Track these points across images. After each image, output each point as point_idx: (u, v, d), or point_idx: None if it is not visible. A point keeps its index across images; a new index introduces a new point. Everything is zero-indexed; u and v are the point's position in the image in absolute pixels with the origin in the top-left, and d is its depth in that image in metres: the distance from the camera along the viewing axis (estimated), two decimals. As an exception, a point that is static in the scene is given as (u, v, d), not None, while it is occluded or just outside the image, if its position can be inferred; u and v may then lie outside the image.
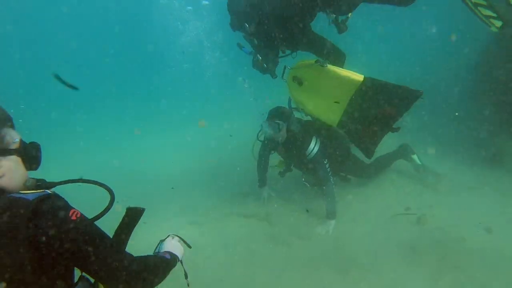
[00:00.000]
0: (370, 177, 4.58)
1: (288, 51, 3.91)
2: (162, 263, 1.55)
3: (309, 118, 4.28)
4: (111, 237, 1.42)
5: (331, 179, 3.91)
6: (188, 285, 1.84)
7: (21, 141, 1.39)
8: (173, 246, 1.79)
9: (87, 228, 1.26)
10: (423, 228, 3.79)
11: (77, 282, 1.39)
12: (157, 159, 7.21)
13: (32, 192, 1.22)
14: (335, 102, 3.76)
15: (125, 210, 1.57)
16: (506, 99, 4.82)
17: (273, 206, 4.54)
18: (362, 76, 3.54)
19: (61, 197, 1.29)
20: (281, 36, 3.65)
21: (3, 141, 1.31)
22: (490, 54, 5.47)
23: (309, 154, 3.90)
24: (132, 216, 1.57)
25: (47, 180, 1.47)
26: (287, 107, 4.18)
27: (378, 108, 3.50)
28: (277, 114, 3.93)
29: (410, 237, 3.66)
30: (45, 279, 1.18)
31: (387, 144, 4.32)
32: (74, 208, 1.27)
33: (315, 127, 4.13)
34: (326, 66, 3.69)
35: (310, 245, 3.76)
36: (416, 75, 6.72)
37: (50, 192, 1.28)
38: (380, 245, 3.59)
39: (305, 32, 3.71)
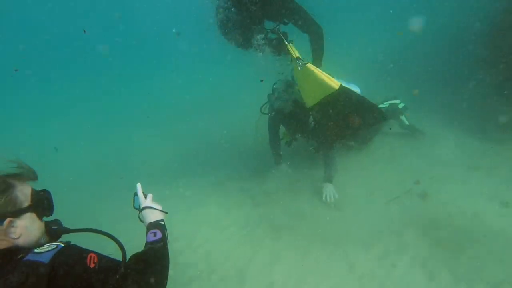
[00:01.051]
0: (365, 141, 4.93)
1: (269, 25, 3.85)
2: (159, 255, 1.58)
3: None
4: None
5: (332, 149, 4.19)
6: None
7: (32, 194, 1.42)
8: (152, 211, 1.79)
9: (104, 266, 1.33)
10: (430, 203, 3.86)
11: None
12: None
13: (46, 250, 1.27)
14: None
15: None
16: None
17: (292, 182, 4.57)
18: (339, 84, 3.50)
19: (74, 247, 1.35)
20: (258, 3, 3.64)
21: (17, 201, 1.34)
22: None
23: (311, 123, 4.15)
24: None
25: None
26: (290, 79, 4.25)
27: (344, 115, 3.63)
28: (282, 86, 4.12)
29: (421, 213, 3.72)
30: None
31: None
32: (89, 253, 1.33)
33: None
34: (303, 67, 3.56)
35: (330, 222, 3.79)
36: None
37: (63, 244, 1.32)
38: (394, 223, 3.66)
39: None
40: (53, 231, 1.47)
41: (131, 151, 6.80)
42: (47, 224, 1.47)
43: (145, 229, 1.72)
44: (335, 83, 3.47)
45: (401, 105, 5.18)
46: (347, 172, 4.53)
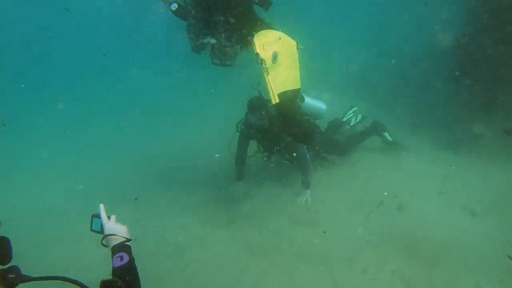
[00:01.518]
0: (344, 153, 5.18)
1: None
2: (130, 268, 1.56)
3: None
4: None
5: (307, 155, 4.44)
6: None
7: None
8: (116, 231, 1.71)
9: None
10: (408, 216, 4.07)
11: None
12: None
13: None
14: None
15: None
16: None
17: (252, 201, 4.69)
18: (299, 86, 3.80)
19: None
20: None
21: None
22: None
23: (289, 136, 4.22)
24: None
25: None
26: (259, 95, 4.32)
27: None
28: (258, 104, 4.14)
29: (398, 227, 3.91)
30: None
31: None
32: None
33: None
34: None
35: (312, 238, 3.90)
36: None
37: None
38: (374, 236, 3.82)
39: None
40: (9, 281, 1.37)
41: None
42: (3, 273, 1.37)
43: (110, 252, 1.64)
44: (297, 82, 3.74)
45: (359, 116, 5.68)
46: (328, 188, 4.71)
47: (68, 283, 1.47)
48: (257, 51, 3.29)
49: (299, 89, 3.86)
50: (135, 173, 6.06)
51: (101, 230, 1.73)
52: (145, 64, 11.73)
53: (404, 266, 3.38)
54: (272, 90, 3.43)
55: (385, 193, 4.40)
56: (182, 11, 3.45)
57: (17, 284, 1.39)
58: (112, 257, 1.59)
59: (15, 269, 1.41)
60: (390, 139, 5.31)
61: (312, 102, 4.60)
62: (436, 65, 6.30)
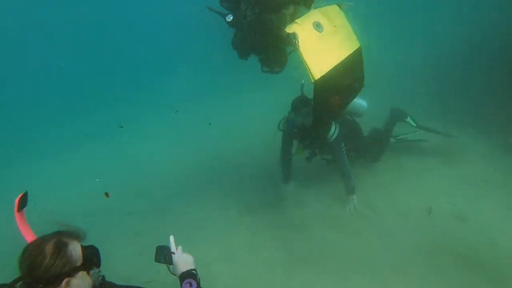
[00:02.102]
0: (377, 159, 4.97)
1: None
2: None
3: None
4: None
5: (346, 160, 4.32)
6: None
7: (83, 251, 1.47)
8: (184, 261, 1.81)
9: None
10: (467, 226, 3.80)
11: None
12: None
13: None
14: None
15: None
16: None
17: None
18: (359, 44, 3.37)
19: None
20: None
21: (71, 260, 1.39)
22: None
23: (330, 137, 4.22)
24: None
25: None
26: (302, 95, 4.35)
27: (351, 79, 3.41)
28: (302, 102, 4.18)
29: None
30: None
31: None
32: None
33: None
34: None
35: (362, 245, 3.78)
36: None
37: None
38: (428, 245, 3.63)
39: None
40: (99, 286, 1.54)
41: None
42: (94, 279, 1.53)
43: (178, 280, 1.75)
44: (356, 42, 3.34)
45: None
46: (374, 193, 4.53)
47: None
48: (288, 32, 3.05)
49: (359, 49, 3.37)
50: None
51: (166, 261, 1.83)
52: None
53: (463, 281, 3.16)
54: (310, 68, 3.05)
55: (437, 200, 4.17)
56: (236, 22, 3.55)
57: None
58: (181, 283, 1.70)
59: (99, 273, 1.55)
60: (414, 124, 5.09)
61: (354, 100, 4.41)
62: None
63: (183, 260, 1.82)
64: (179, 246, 1.90)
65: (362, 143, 4.78)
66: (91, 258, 1.50)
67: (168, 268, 1.84)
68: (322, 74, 2.97)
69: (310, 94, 4.11)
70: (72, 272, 1.38)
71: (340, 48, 3.21)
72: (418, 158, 5.11)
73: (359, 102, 4.57)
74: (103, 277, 1.59)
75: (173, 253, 1.85)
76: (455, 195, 4.27)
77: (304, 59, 2.99)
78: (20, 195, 1.81)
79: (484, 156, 4.96)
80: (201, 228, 4.45)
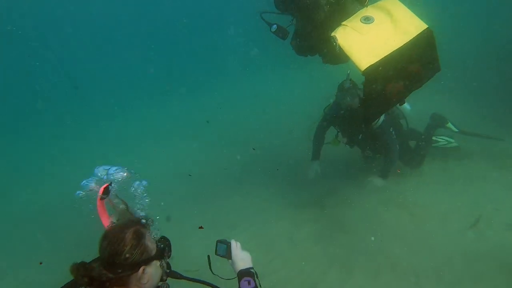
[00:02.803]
0: (411, 162, 4.74)
1: None
2: None
3: None
4: None
5: (397, 146, 4.19)
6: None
7: (156, 241, 1.60)
8: (242, 259, 1.89)
9: None
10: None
11: None
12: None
13: None
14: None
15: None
16: None
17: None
18: (425, 25, 3.01)
19: None
20: None
21: (147, 250, 1.50)
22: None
23: (376, 122, 4.13)
24: None
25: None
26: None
27: (417, 65, 3.08)
28: (349, 84, 4.17)
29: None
30: None
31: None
32: None
33: None
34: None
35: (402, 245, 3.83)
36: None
37: None
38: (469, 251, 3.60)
39: None
40: (166, 274, 1.65)
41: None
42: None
43: (236, 276, 1.84)
44: (421, 23, 3.01)
45: (451, 145, 4.98)
46: (418, 190, 4.52)
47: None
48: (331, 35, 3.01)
49: (425, 32, 2.98)
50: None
51: (226, 255, 1.94)
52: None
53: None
54: (355, 61, 2.95)
55: (484, 206, 4.08)
56: (280, 32, 3.67)
57: (168, 277, 1.70)
58: (240, 280, 1.80)
59: (168, 263, 1.70)
60: (456, 130, 4.91)
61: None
62: None
63: (241, 257, 1.90)
64: (238, 242, 1.97)
65: (403, 147, 4.62)
66: (164, 248, 1.62)
67: (230, 263, 1.93)
68: (370, 64, 2.84)
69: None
70: (148, 260, 1.48)
71: (395, 36, 2.98)
72: (467, 161, 4.98)
73: (404, 104, 4.40)
74: (170, 266, 1.72)
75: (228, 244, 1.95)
76: (504, 202, 4.14)
77: (348, 54, 2.94)
78: (105, 185, 1.97)
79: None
80: (245, 217, 4.72)
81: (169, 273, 1.70)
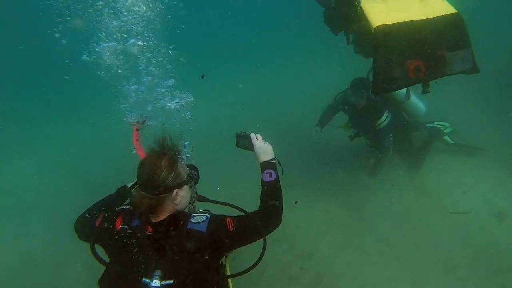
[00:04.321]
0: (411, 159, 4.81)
1: None
2: (278, 186, 1.89)
3: None
4: None
5: (390, 152, 4.35)
6: (283, 173, 2.02)
7: (187, 170, 1.75)
8: (265, 151, 1.98)
9: (241, 227, 1.68)
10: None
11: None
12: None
13: (201, 221, 1.63)
14: None
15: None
16: None
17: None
18: (455, 10, 2.92)
19: (216, 217, 1.69)
20: None
21: (180, 175, 1.67)
22: None
23: (378, 125, 4.30)
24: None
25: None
26: (365, 77, 4.36)
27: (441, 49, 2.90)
28: (360, 83, 4.25)
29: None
30: (214, 273, 1.65)
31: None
32: (227, 218, 1.69)
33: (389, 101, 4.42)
34: None
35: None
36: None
37: (209, 215, 1.67)
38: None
39: None
40: (194, 198, 1.83)
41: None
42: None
43: (259, 166, 1.95)
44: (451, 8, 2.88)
45: (447, 130, 5.06)
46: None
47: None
48: None
49: (452, 16, 2.84)
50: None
51: (248, 147, 2.00)
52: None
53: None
54: (369, 16, 2.82)
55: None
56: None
57: (202, 200, 1.88)
58: (262, 172, 1.92)
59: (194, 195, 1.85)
60: (452, 142, 4.96)
61: (415, 101, 4.47)
62: None
63: (264, 150, 1.97)
64: (258, 135, 2.04)
65: (406, 146, 4.66)
66: (193, 175, 1.78)
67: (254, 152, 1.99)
68: (383, 23, 2.70)
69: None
70: (180, 184, 1.65)
71: (419, 10, 2.89)
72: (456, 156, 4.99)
73: (419, 104, 4.51)
74: (196, 191, 1.87)
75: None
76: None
77: (365, 14, 2.83)
78: (138, 122, 2.13)
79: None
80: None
81: (197, 196, 1.85)
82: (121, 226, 1.55)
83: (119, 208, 1.63)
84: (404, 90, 4.34)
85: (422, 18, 2.80)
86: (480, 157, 4.86)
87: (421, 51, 2.80)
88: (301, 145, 5.32)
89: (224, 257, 1.92)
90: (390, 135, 4.31)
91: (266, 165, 1.92)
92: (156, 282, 1.42)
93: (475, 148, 4.91)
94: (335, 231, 3.92)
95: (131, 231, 1.54)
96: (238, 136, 2.04)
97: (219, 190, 3.75)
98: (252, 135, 2.03)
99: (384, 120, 4.29)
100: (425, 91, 3.02)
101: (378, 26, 2.69)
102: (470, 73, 2.96)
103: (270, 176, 1.87)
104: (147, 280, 1.43)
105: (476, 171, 4.65)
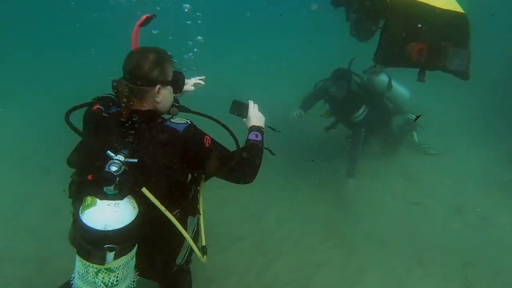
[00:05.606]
0: (393, 149, 5.06)
1: None
2: (260, 152, 1.86)
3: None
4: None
5: (359, 147, 4.38)
6: (274, 154, 2.02)
7: (173, 72, 1.71)
8: (258, 118, 1.99)
9: (215, 147, 1.68)
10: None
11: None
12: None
13: (180, 123, 1.62)
14: None
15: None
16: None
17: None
18: (463, 11, 3.01)
19: (195, 127, 1.67)
20: None
21: (165, 74, 1.64)
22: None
23: (355, 118, 4.35)
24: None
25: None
26: (346, 68, 4.37)
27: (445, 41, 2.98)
28: (342, 75, 4.25)
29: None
30: (183, 187, 1.68)
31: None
32: (206, 135, 1.68)
33: (369, 93, 4.45)
34: None
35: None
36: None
37: (189, 122, 1.65)
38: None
39: None
40: (177, 106, 1.81)
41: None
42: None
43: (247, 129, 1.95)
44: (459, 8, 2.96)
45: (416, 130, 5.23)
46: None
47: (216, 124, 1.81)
48: None
49: (462, 14, 2.95)
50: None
51: (241, 114, 1.99)
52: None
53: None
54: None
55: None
56: None
57: (183, 111, 1.83)
58: (249, 132, 1.92)
59: (178, 105, 1.83)
60: (416, 140, 5.20)
61: (399, 89, 4.51)
62: None
63: (257, 116, 1.99)
64: (256, 104, 2.06)
65: (388, 134, 4.85)
66: (178, 80, 1.73)
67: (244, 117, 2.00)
68: None
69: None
70: (164, 83, 1.63)
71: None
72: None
73: (402, 91, 4.57)
74: (178, 101, 1.87)
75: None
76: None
77: None
78: (148, 16, 2.07)
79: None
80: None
81: (178, 105, 1.82)
82: (97, 107, 1.58)
83: (102, 95, 1.66)
84: (386, 80, 4.41)
85: (432, 4, 2.87)
86: (450, 155, 5.16)
87: (427, 36, 2.87)
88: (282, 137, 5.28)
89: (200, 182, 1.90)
90: (363, 130, 4.36)
91: (255, 128, 1.93)
92: (120, 157, 1.40)
93: (430, 153, 5.19)
94: (313, 227, 3.82)
95: (106, 115, 1.57)
96: (234, 102, 2.01)
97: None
98: (251, 102, 2.05)
99: (361, 115, 4.34)
100: (421, 79, 3.11)
101: None
102: (462, 77, 3.09)
103: (257, 136, 1.89)
104: (112, 154, 1.41)
105: (445, 167, 4.91)
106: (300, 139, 5.33)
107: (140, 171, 1.47)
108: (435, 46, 2.90)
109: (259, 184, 4.10)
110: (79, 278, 1.44)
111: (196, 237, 1.96)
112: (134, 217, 1.42)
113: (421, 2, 2.86)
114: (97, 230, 1.34)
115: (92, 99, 1.66)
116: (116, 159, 1.39)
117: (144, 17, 2.07)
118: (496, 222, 3.95)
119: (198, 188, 1.90)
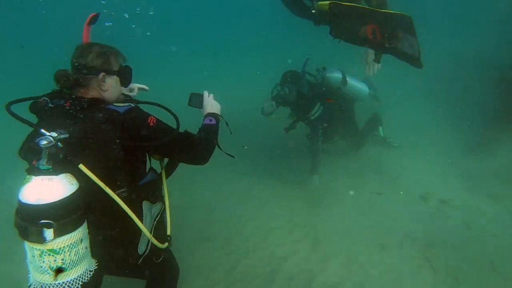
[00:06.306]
0: (358, 143, 5.17)
1: None
2: (214, 129, 1.99)
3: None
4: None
5: (318, 143, 4.53)
6: (231, 132, 2.18)
7: (120, 65, 1.82)
8: (212, 106, 2.12)
9: (161, 127, 1.75)
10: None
11: (148, 171, 1.89)
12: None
13: (122, 105, 1.69)
14: None
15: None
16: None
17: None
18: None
19: (140, 109, 1.76)
20: None
21: (110, 64, 1.75)
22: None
23: (311, 115, 4.57)
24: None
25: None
26: (298, 71, 4.59)
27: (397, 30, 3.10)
28: (290, 77, 4.50)
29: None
30: (128, 167, 1.70)
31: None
32: (151, 116, 1.74)
33: (322, 92, 4.60)
34: None
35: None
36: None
37: (133, 105, 1.74)
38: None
39: None
40: (126, 96, 1.94)
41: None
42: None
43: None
44: None
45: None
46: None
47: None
48: None
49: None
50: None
51: (198, 105, 2.11)
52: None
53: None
54: None
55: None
56: None
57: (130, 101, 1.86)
58: (204, 118, 2.04)
59: (128, 95, 1.99)
60: (382, 135, 5.38)
61: (355, 84, 4.61)
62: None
63: (211, 104, 2.13)
64: (211, 94, 2.19)
65: (351, 129, 4.97)
66: (125, 72, 1.84)
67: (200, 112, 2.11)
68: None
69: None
70: (108, 71, 1.73)
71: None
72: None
73: (361, 88, 4.70)
74: (130, 97, 1.99)
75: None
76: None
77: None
78: (94, 14, 2.19)
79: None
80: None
81: (128, 97, 1.93)
82: (43, 98, 1.63)
83: (51, 91, 1.73)
84: (340, 77, 4.48)
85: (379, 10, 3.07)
86: (413, 147, 5.37)
87: (379, 20, 3.01)
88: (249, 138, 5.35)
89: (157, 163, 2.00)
90: (320, 127, 4.52)
91: (210, 114, 2.05)
92: (53, 133, 1.43)
93: (394, 145, 5.38)
94: (279, 222, 3.91)
95: (52, 106, 1.62)
96: (192, 95, 2.12)
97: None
98: (205, 92, 2.17)
99: (316, 112, 4.54)
100: (377, 58, 3.23)
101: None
102: (415, 64, 3.18)
103: (210, 121, 2.00)
104: (45, 132, 1.43)
105: (408, 159, 5.12)
106: (264, 141, 5.59)
107: (78, 149, 1.50)
108: (385, 28, 3.03)
109: (225, 186, 4.47)
110: (30, 265, 1.46)
111: (160, 227, 1.97)
112: (71, 193, 1.42)
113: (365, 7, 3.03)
114: (30, 204, 1.35)
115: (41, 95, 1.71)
116: (48, 135, 1.42)
117: (90, 16, 2.19)
118: (457, 207, 4.07)
119: (159, 173, 1.97)
